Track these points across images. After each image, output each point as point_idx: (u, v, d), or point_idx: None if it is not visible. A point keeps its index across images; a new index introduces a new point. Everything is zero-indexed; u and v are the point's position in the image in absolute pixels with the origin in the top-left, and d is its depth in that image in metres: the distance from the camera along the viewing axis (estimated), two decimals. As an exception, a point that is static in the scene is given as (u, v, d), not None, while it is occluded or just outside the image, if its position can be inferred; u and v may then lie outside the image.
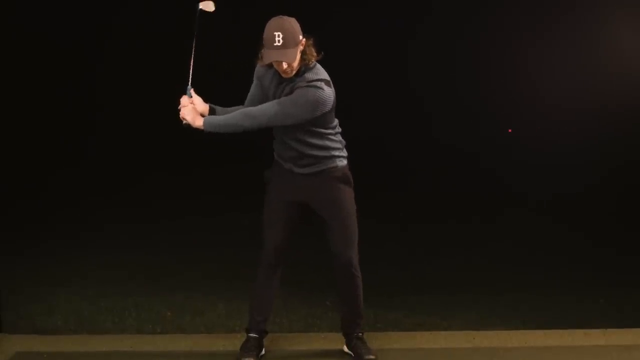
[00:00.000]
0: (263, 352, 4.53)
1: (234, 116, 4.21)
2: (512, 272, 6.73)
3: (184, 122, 4.21)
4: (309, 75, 4.17)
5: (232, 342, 4.75)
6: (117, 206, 8.74)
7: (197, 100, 4.28)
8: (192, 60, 4.27)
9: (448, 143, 9.68)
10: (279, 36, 4.02)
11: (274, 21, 4.09)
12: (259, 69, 4.30)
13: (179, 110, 4.22)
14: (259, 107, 4.20)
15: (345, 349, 4.62)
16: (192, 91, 4.27)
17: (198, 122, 4.19)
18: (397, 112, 9.51)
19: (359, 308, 4.51)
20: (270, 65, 4.17)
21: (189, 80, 4.28)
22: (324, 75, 4.19)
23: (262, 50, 4.12)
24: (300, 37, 4.09)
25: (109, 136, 9.75)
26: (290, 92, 4.16)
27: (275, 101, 4.18)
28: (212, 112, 4.30)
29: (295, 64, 4.11)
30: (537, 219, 8.37)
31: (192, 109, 4.22)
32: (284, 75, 4.16)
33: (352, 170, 4.39)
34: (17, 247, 7.00)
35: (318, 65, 4.20)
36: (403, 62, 9.57)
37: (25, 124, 9.44)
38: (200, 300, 5.91)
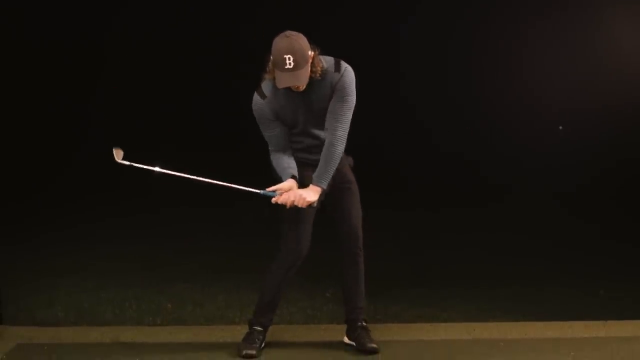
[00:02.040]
0: (263, 344, 4.55)
1: (329, 156, 4.22)
2: (512, 264, 6.72)
3: (314, 204, 4.25)
4: (329, 67, 4.18)
5: (232, 334, 4.76)
6: (116, 198, 8.74)
7: (286, 184, 4.24)
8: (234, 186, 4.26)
9: (447, 143, 9.67)
10: (289, 59, 4.00)
11: (282, 41, 4.04)
12: (266, 108, 4.22)
13: (293, 204, 4.22)
14: (333, 127, 4.20)
15: (346, 340, 4.64)
16: (271, 189, 4.24)
17: (316, 190, 4.24)
18: (391, 111, 9.50)
19: (363, 291, 4.51)
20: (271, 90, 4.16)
21: (258, 191, 4.24)
22: (329, 58, 4.22)
23: (270, 65, 4.09)
24: (309, 52, 4.07)
25: (108, 130, 9.74)
26: (332, 93, 4.19)
27: (337, 107, 4.19)
28: (295, 177, 4.28)
29: (307, 77, 4.10)
30: (537, 211, 8.37)
31: (301, 192, 4.22)
32: (298, 90, 4.14)
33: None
34: (17, 240, 7.01)
35: (321, 58, 4.19)
36: (395, 62, 9.56)
37: (26, 118, 9.45)
38: (200, 292, 5.91)
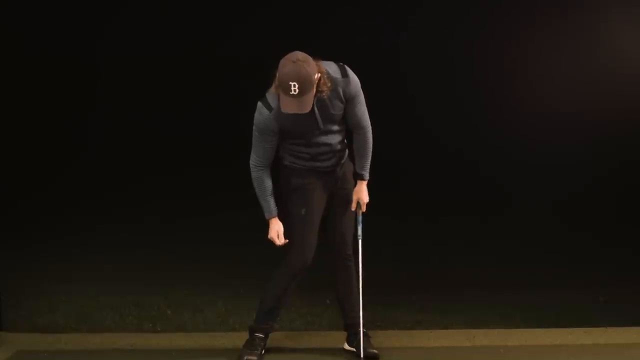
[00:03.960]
0: (264, 351, 4.55)
1: (367, 149, 4.38)
2: (511, 270, 6.72)
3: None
4: (335, 74, 4.17)
5: (232, 340, 4.76)
6: (117, 204, 8.73)
7: (276, 225, 4.38)
8: None
9: (446, 143, 9.66)
10: (294, 86, 3.98)
11: (288, 66, 4.01)
12: (272, 121, 4.19)
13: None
14: (361, 127, 4.31)
15: (346, 346, 4.64)
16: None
17: (365, 184, 4.42)
18: (392, 116, 9.46)
19: (358, 295, 4.50)
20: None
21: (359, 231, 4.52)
22: (331, 64, 4.20)
23: (276, 81, 4.07)
24: (316, 76, 4.04)
25: (108, 136, 9.75)
26: (342, 99, 4.21)
27: (356, 110, 4.27)
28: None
29: (311, 101, 4.09)
30: (537, 217, 8.35)
31: (362, 197, 4.43)
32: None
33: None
34: (17, 246, 6.99)
35: (323, 65, 4.16)
36: (396, 60, 9.54)
37: (26, 124, 9.44)
38: (200, 298, 5.91)
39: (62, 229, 7.90)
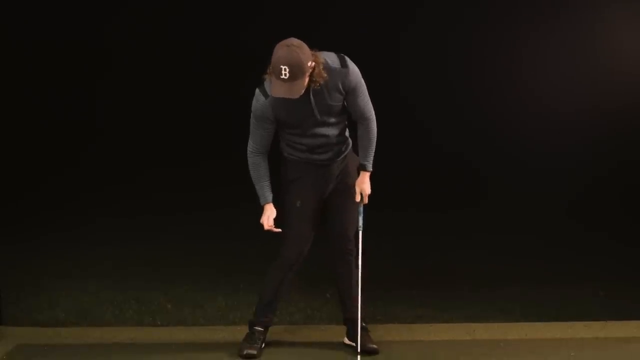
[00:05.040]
0: (263, 344, 4.55)
1: (371, 140, 4.35)
2: (512, 265, 6.72)
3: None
4: (334, 65, 4.15)
5: (232, 335, 4.77)
6: (117, 199, 8.74)
7: (269, 210, 4.38)
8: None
9: (446, 141, 9.66)
10: (285, 70, 3.97)
11: (281, 50, 4.00)
12: (268, 108, 4.20)
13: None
14: (365, 117, 4.29)
15: (346, 340, 4.64)
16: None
17: (368, 176, 4.40)
18: (390, 111, 9.44)
19: (358, 289, 4.49)
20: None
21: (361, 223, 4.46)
22: (330, 54, 4.19)
23: (269, 70, 4.07)
24: (309, 63, 4.03)
25: (109, 130, 9.75)
26: (341, 90, 4.19)
27: (359, 101, 4.25)
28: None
29: (302, 89, 4.07)
30: (537, 211, 8.36)
31: (365, 188, 4.40)
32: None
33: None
34: (17, 240, 7.00)
35: (322, 56, 4.15)
36: (393, 61, 9.54)
37: (26, 117, 9.45)
38: (200, 292, 5.92)
39: (62, 224, 7.91)
